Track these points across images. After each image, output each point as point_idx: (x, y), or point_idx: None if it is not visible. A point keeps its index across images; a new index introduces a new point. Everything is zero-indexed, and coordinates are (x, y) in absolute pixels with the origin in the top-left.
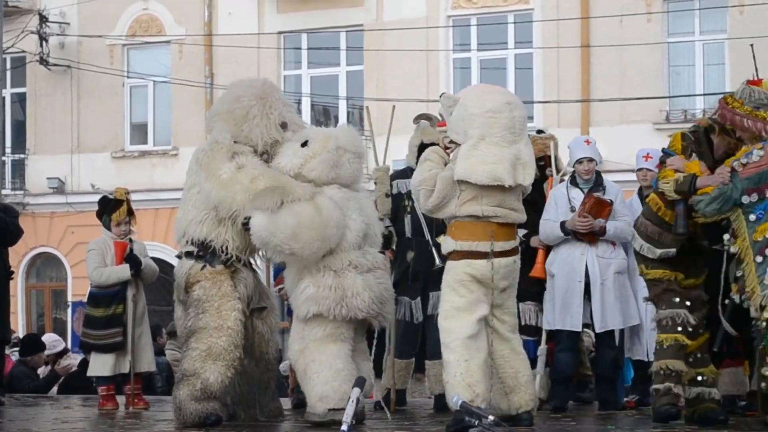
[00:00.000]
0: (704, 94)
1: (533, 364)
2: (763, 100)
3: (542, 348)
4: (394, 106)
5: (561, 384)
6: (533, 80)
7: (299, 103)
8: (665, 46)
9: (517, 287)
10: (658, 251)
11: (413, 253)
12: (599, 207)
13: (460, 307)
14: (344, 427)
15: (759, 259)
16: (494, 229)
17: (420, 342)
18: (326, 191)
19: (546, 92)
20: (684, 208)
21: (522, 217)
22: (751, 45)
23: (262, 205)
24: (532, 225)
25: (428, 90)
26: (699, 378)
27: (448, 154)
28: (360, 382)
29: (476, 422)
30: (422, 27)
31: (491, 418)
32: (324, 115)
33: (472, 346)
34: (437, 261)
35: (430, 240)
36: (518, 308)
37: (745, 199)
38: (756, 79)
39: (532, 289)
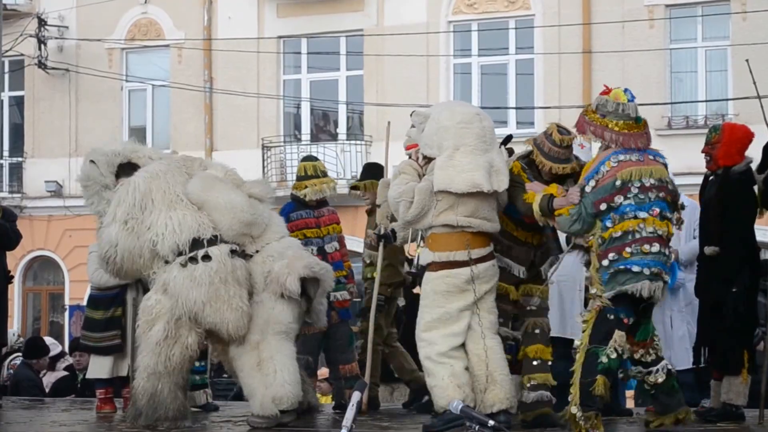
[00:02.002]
0: (706, 101)
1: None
2: (608, 108)
3: None
4: (389, 123)
5: (557, 391)
6: (534, 86)
7: (299, 107)
8: (667, 52)
9: None
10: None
11: None
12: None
13: (440, 318)
14: (344, 430)
15: (605, 263)
16: (469, 238)
17: None
18: None
19: (547, 98)
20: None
21: (496, 226)
22: (747, 60)
23: None
24: None
25: (428, 95)
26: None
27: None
28: (361, 386)
29: (477, 427)
30: (423, 32)
31: (491, 423)
32: (324, 120)
33: (455, 355)
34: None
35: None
36: None
37: (594, 210)
38: (607, 89)
39: None
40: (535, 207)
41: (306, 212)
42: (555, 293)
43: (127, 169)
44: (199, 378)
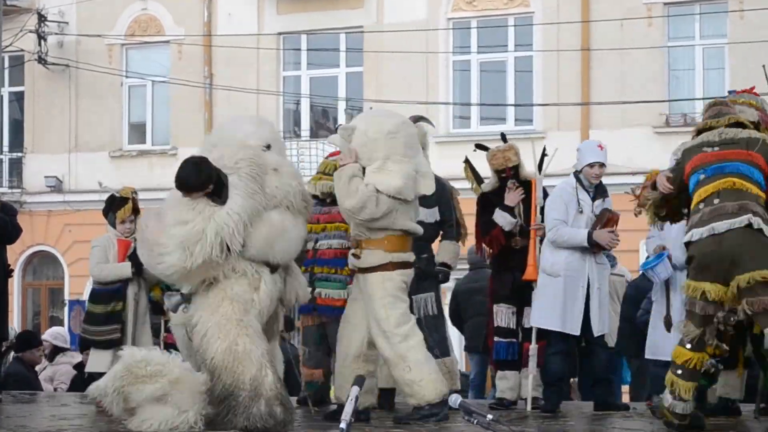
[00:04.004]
0: (704, 98)
1: (511, 365)
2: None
3: (533, 348)
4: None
5: (553, 386)
6: (533, 83)
7: (298, 104)
8: (665, 50)
9: (491, 289)
10: None
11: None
12: (617, 221)
13: (405, 313)
14: (343, 425)
15: None
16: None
17: None
18: None
19: (546, 95)
20: None
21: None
22: (764, 66)
23: None
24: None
25: (428, 92)
26: None
27: None
28: (359, 381)
29: (475, 421)
30: (422, 29)
31: (489, 416)
32: (323, 117)
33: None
34: None
35: None
36: (492, 310)
37: None
38: None
39: (504, 291)
40: None
41: (316, 207)
42: (560, 288)
43: None
44: None
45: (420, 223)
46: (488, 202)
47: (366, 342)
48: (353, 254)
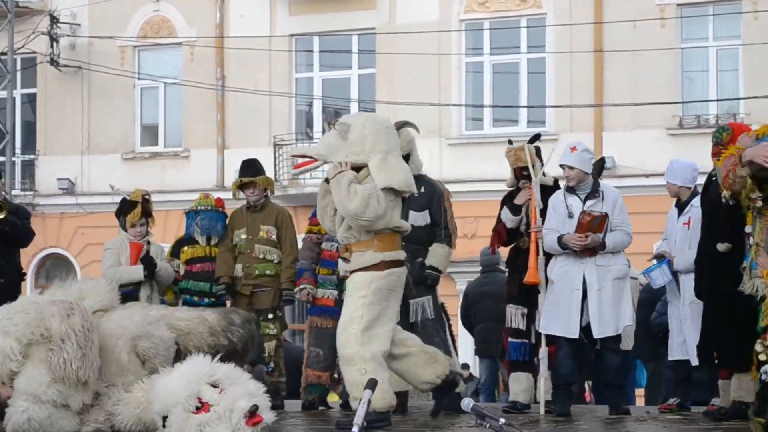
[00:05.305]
0: (717, 100)
1: (523, 366)
2: None
3: (543, 351)
4: None
5: (563, 389)
6: (546, 85)
7: (311, 105)
8: (679, 51)
9: (504, 290)
10: None
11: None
12: (595, 222)
13: (380, 316)
14: (355, 429)
15: None
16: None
17: None
18: None
19: (558, 97)
20: None
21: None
22: None
23: None
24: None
25: (440, 94)
26: None
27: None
28: (371, 384)
29: (488, 425)
30: (435, 30)
31: (502, 420)
32: (335, 118)
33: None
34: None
35: None
36: (505, 311)
37: None
38: None
39: (514, 291)
40: None
41: None
42: (553, 292)
43: None
44: None
45: (410, 226)
46: (507, 199)
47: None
48: (343, 258)
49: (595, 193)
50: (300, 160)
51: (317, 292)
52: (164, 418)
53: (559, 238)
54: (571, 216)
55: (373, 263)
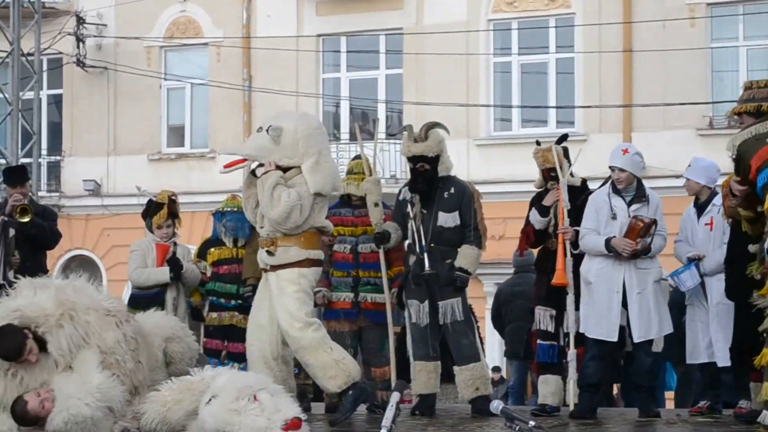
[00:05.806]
0: None
1: (552, 368)
2: None
3: (572, 353)
4: (376, 119)
5: (587, 391)
6: (575, 85)
7: (338, 106)
8: (708, 51)
9: (532, 292)
10: None
11: (414, 257)
12: (646, 228)
13: (312, 311)
14: (383, 431)
15: None
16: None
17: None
18: None
19: (587, 97)
20: None
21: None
22: None
23: None
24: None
25: (468, 94)
26: None
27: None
28: (400, 387)
29: (517, 428)
30: (462, 30)
31: (531, 423)
32: (362, 119)
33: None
34: (426, 267)
35: (424, 246)
36: (534, 313)
37: None
38: None
39: (541, 293)
40: None
41: (345, 209)
42: (593, 294)
43: None
44: None
45: (440, 227)
46: (535, 200)
47: (280, 342)
48: (267, 251)
49: (641, 197)
50: (228, 160)
51: (332, 296)
52: (212, 398)
53: (607, 241)
54: (614, 218)
55: (299, 260)
